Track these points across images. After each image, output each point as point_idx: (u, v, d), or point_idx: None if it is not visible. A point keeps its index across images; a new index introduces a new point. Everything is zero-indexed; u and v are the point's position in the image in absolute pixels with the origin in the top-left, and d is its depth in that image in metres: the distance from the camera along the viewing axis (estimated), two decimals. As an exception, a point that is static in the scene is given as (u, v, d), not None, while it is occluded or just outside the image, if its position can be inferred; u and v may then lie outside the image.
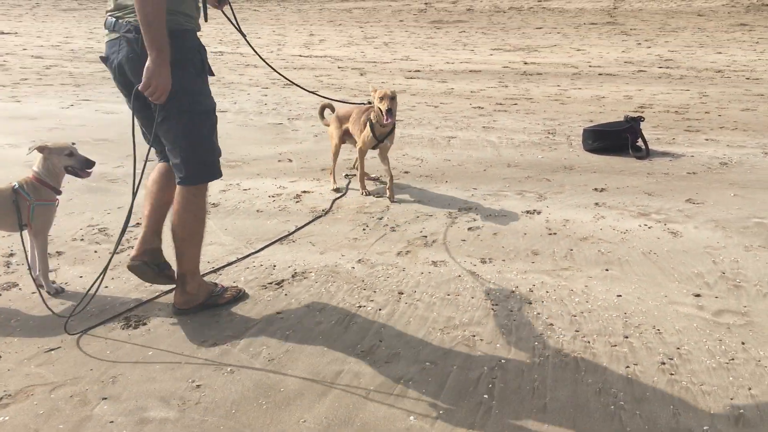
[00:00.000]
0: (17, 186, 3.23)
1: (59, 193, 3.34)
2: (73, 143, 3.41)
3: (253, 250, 3.84)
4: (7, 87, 9.44)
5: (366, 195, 4.79)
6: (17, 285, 3.40)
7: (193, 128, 2.95)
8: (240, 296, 3.29)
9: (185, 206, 3.07)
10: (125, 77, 2.93)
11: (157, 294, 3.32)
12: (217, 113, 3.12)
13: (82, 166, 3.37)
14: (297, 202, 4.64)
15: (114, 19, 2.87)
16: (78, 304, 3.09)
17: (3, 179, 5.00)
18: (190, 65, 2.88)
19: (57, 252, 3.80)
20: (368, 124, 4.63)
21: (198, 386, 2.58)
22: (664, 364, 2.69)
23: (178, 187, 3.08)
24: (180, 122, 2.91)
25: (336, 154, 5.00)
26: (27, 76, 10.40)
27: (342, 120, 4.94)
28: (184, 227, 3.09)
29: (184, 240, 3.11)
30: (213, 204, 4.58)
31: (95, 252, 3.80)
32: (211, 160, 3.07)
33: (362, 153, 4.80)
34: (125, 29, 2.82)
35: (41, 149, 3.27)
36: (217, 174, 3.13)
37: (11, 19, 22.46)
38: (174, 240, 3.11)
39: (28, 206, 3.21)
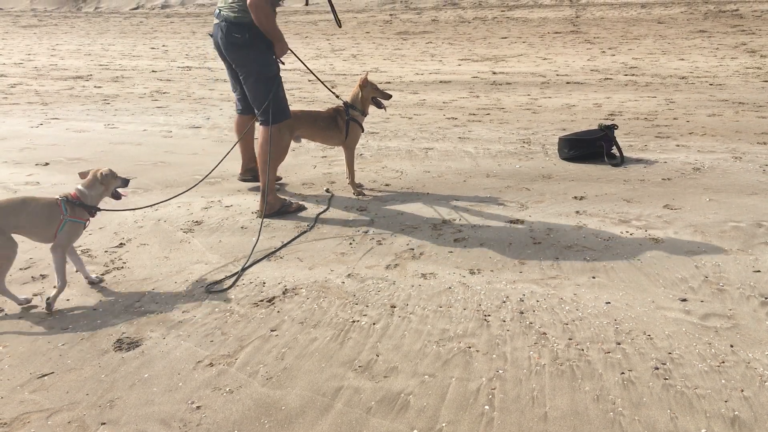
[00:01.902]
0: (61, 199, 3.39)
1: (94, 215, 3.54)
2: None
3: (275, 248, 3.81)
4: (-28, 106, 9.25)
5: (363, 196, 5.05)
6: (2, 310, 3.33)
7: (267, 86, 4.44)
8: (301, 208, 4.74)
9: (265, 140, 4.50)
10: (221, 51, 4.53)
11: (267, 253, 3.29)
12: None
13: (124, 185, 3.71)
14: (280, 218, 4.63)
15: (218, 10, 4.39)
16: (237, 273, 3.55)
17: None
18: (262, 44, 4.34)
19: (41, 275, 3.74)
20: (351, 122, 4.96)
21: (198, 407, 2.56)
22: (657, 369, 2.74)
23: (261, 127, 4.54)
24: (259, 82, 4.45)
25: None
26: (-8, 95, 10.21)
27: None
28: (264, 155, 4.50)
29: (265, 164, 4.49)
30: (196, 222, 4.55)
31: (77, 273, 3.74)
32: (281, 108, 4.52)
33: (353, 152, 5.10)
34: (221, 19, 4.36)
35: (108, 174, 3.55)
36: (286, 116, 4.59)
37: (-30, 36, 22.00)
38: (258, 164, 4.60)
39: (61, 221, 3.32)
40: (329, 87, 4.95)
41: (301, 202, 4.83)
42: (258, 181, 4.99)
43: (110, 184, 3.57)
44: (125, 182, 3.69)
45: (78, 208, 3.42)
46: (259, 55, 4.37)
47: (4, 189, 5.24)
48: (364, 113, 5.04)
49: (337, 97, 5.19)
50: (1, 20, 29.16)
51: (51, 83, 11.51)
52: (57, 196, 3.40)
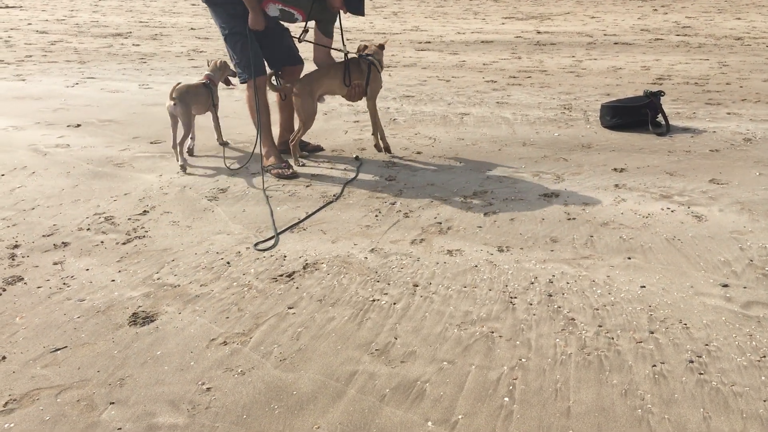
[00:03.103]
0: (206, 81, 5.06)
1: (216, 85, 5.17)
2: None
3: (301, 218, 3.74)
4: (12, 65, 9.31)
5: (390, 153, 5.09)
6: (22, 279, 3.32)
7: (229, 44, 4.75)
8: (293, 176, 4.67)
9: (247, 97, 4.91)
10: None
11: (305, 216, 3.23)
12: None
13: (232, 76, 5.19)
14: (307, 186, 4.52)
15: None
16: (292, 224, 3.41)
17: (7, 163, 4.94)
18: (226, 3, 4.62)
19: (63, 243, 3.71)
20: (372, 67, 4.84)
21: (208, 389, 2.50)
22: (692, 362, 2.57)
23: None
24: (226, 40, 4.76)
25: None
26: (32, 53, 10.27)
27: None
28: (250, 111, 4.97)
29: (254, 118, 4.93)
30: (221, 189, 4.47)
31: (102, 243, 3.71)
32: (244, 65, 4.75)
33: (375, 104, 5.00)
34: None
35: (223, 63, 5.19)
36: (249, 74, 4.74)
37: (16, -9, 22.23)
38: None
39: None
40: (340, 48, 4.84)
41: (295, 170, 4.76)
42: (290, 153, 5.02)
43: (224, 71, 5.18)
44: (232, 74, 5.13)
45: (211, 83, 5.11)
46: (222, 13, 4.63)
47: (35, 151, 5.25)
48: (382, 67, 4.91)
49: (347, 54, 4.97)
50: (47, -24, 29.40)
51: (90, 41, 11.53)
52: (203, 80, 5.04)
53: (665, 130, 5.45)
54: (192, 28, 12.72)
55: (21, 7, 17.55)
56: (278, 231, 3.83)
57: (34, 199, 4.33)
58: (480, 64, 8.89)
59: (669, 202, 4.07)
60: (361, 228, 3.87)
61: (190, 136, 5.05)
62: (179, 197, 4.36)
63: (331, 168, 4.87)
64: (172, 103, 4.78)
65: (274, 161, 4.76)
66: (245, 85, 4.90)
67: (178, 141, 4.88)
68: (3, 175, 4.74)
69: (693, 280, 3.16)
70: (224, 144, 5.35)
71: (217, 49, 10.53)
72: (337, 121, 6.09)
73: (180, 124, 4.88)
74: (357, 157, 5.09)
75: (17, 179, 4.66)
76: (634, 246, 3.52)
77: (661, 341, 2.71)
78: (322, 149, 5.27)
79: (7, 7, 17.55)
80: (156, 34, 12.15)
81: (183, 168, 4.81)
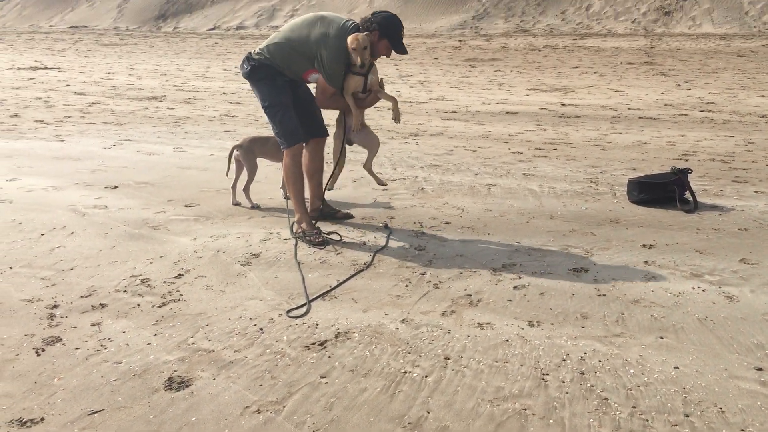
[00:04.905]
0: None
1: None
2: None
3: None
4: (51, 125, 9.64)
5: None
6: (61, 340, 3.39)
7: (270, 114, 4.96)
8: (324, 243, 4.75)
9: (284, 164, 5.03)
10: None
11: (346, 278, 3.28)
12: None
13: None
14: (338, 254, 4.59)
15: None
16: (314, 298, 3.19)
17: (47, 223, 5.08)
18: (264, 77, 4.88)
19: (100, 304, 3.79)
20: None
21: (242, 458, 2.51)
22: (729, 448, 2.55)
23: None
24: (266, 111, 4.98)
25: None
26: (70, 114, 10.63)
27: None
28: (287, 178, 5.08)
29: (288, 185, 5.10)
30: (254, 254, 4.55)
31: (138, 305, 3.78)
32: (289, 130, 4.87)
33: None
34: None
35: None
36: (297, 138, 4.93)
37: (55, 53, 23.14)
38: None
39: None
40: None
41: (328, 236, 4.84)
42: (325, 219, 5.21)
43: None
44: None
45: None
46: (263, 87, 4.87)
47: (74, 212, 5.40)
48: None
49: None
50: (86, 38, 30.59)
51: (127, 103, 11.92)
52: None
53: (693, 207, 5.48)
54: (224, 93, 13.11)
55: (59, 68, 18.23)
56: (310, 298, 3.88)
57: (73, 259, 4.44)
58: (506, 134, 9.05)
59: (700, 281, 4.08)
60: (391, 297, 3.91)
61: (252, 180, 5.61)
62: (213, 261, 4.45)
63: (361, 236, 4.95)
64: (236, 151, 5.49)
65: (306, 228, 4.85)
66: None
67: (241, 187, 5.55)
68: (43, 234, 4.88)
69: (727, 363, 3.14)
70: (286, 198, 5.58)
71: (248, 113, 10.83)
72: (366, 189, 6.20)
73: (245, 170, 5.57)
74: (386, 226, 5.17)
75: (57, 239, 4.79)
76: (666, 325, 3.52)
77: (697, 425, 2.69)
78: (352, 217, 5.36)
79: (46, 68, 18.24)
80: (189, 98, 12.53)
81: (257, 207, 5.56)
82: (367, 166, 5.30)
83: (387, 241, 4.81)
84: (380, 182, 5.38)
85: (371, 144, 5.26)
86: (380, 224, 5.20)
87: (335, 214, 5.32)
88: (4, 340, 3.38)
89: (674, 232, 4.96)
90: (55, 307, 3.75)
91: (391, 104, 4.97)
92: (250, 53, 4.90)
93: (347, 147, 5.30)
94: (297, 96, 4.98)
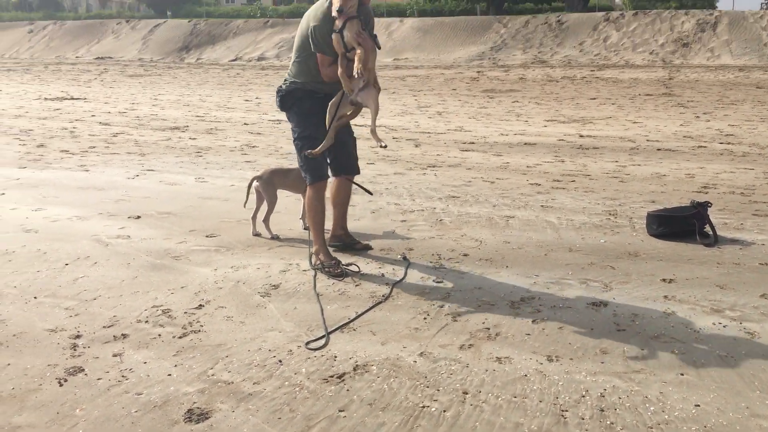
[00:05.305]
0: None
1: None
2: None
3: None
4: (77, 155, 9.83)
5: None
6: (83, 370, 3.43)
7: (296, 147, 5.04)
8: (342, 274, 4.78)
9: (307, 198, 5.13)
10: None
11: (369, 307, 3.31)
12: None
13: None
14: (356, 285, 4.62)
15: None
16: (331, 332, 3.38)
17: (71, 253, 5.17)
18: (294, 107, 5.03)
19: (122, 334, 3.84)
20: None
21: (261, 492, 2.52)
22: (751, 489, 2.52)
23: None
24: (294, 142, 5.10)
25: None
26: (95, 144, 10.83)
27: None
28: (309, 212, 5.17)
29: (310, 220, 5.19)
30: (273, 285, 4.60)
31: (159, 335, 3.83)
32: (312, 167, 4.98)
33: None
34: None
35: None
36: (320, 176, 5.04)
37: (81, 84, 23.62)
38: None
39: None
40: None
41: (347, 267, 4.87)
42: (345, 249, 5.30)
43: None
44: None
45: None
46: (295, 114, 4.96)
47: (97, 242, 5.49)
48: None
49: None
50: (111, 69, 31.22)
51: (150, 133, 12.12)
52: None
53: (713, 241, 5.46)
54: (245, 123, 13.29)
55: (85, 99, 18.60)
56: (329, 330, 3.90)
57: (96, 289, 4.51)
58: (524, 166, 9.07)
59: (720, 316, 4.05)
60: (409, 330, 3.92)
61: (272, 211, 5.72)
62: (233, 292, 4.49)
63: (380, 267, 4.98)
64: (256, 182, 5.61)
65: (324, 259, 4.89)
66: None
67: (261, 218, 5.65)
68: (67, 264, 4.96)
69: (748, 401, 3.11)
70: (306, 229, 5.65)
71: (268, 144, 10.96)
72: (384, 220, 6.24)
73: (265, 202, 5.66)
74: (405, 257, 5.19)
75: (80, 269, 4.87)
76: (687, 361, 3.49)
77: (719, 465, 2.66)
78: (370, 248, 5.39)
79: (72, 98, 18.62)
80: (211, 129, 12.72)
81: (276, 237, 5.63)
82: (372, 126, 4.95)
83: (405, 273, 4.83)
84: (380, 143, 4.92)
85: (374, 102, 4.93)
86: (398, 256, 5.23)
87: (354, 245, 5.36)
88: (28, 370, 3.43)
89: (694, 267, 4.94)
90: (78, 337, 3.81)
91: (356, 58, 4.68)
92: (279, 86, 5.05)
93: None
94: (337, 136, 4.95)
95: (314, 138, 4.86)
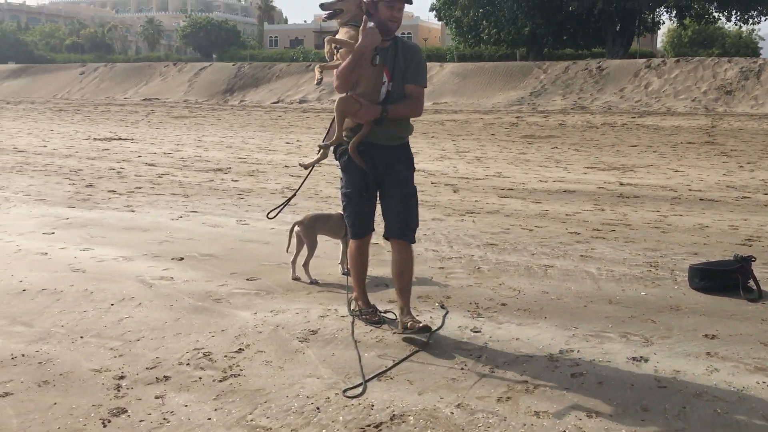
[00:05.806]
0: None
1: None
2: None
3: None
4: (123, 195, 10.12)
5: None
6: (126, 411, 3.51)
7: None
8: (380, 322, 4.85)
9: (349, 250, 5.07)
10: None
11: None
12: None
13: None
14: (394, 333, 4.65)
15: None
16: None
17: (117, 294, 5.31)
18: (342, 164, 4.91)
19: (164, 376, 3.92)
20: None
21: None
22: None
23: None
24: None
25: None
26: (141, 185, 11.14)
27: None
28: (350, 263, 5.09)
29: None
30: (312, 331, 4.65)
31: (200, 378, 3.90)
32: (348, 224, 4.96)
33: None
34: None
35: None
36: (352, 235, 4.95)
37: (129, 125, 24.40)
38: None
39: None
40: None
41: (384, 315, 4.90)
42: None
43: None
44: None
45: None
46: (342, 171, 4.89)
47: (141, 282, 5.63)
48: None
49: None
50: (157, 110, 32.20)
51: (194, 174, 12.43)
52: (340, 212, 5.20)
53: (757, 296, 5.36)
54: (286, 166, 13.55)
55: (132, 139, 19.19)
56: (366, 378, 3.93)
57: (140, 330, 4.62)
58: (563, 214, 9.04)
59: (764, 375, 3.96)
60: (446, 380, 3.93)
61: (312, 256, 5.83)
62: (272, 336, 4.56)
63: (417, 314, 4.99)
64: (297, 227, 5.78)
65: (362, 306, 4.94)
66: None
67: (301, 262, 5.76)
68: (112, 305, 5.10)
69: (795, 466, 3.03)
70: (344, 274, 5.73)
71: (308, 187, 11.13)
72: (422, 267, 6.27)
73: (305, 247, 5.78)
74: (442, 306, 5.21)
75: (125, 309, 5.00)
76: (729, 422, 3.42)
77: None
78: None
79: (120, 139, 19.22)
80: (253, 171, 12.99)
81: (315, 282, 5.72)
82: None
83: (443, 322, 4.84)
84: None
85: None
86: (436, 304, 5.25)
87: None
88: (73, 410, 3.53)
89: (737, 322, 4.85)
90: (121, 378, 3.90)
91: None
92: None
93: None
94: (384, 190, 4.71)
95: (353, 198, 4.74)
